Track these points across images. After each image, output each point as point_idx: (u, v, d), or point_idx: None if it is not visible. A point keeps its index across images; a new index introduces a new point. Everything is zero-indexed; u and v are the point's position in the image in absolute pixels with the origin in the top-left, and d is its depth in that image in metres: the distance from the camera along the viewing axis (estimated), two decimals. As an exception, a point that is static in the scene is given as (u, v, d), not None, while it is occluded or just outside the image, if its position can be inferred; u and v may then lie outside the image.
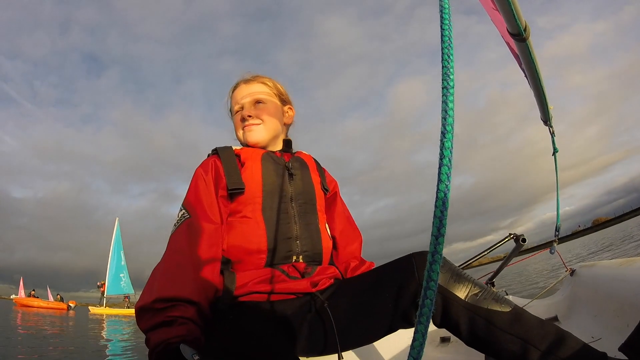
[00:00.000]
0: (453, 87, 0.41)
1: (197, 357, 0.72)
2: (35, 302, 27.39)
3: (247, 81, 1.18)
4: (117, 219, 29.41)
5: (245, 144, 1.16)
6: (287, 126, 1.23)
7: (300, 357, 0.84)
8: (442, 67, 0.42)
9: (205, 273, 0.86)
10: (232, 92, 1.20)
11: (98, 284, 28.34)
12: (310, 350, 0.92)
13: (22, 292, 30.99)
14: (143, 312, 0.80)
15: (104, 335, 8.66)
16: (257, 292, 0.91)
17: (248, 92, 1.15)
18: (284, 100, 1.21)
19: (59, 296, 32.59)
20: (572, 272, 1.98)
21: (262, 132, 1.13)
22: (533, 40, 1.30)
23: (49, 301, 29.57)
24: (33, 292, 31.35)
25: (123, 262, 28.15)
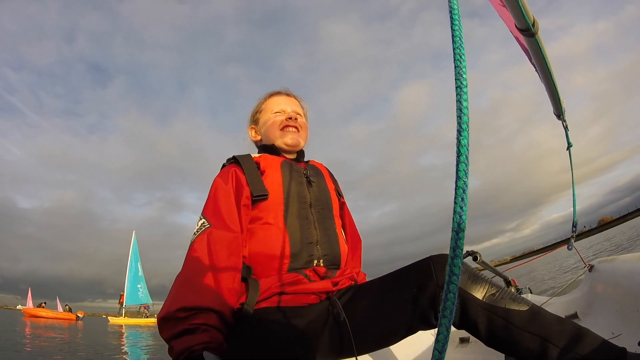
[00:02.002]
0: (466, 86, 0.42)
1: None
2: (43, 312, 27.68)
3: (289, 95, 1.29)
4: (133, 231, 30.20)
5: (270, 145, 1.21)
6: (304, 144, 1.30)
7: None
8: (455, 66, 0.43)
9: (227, 281, 0.88)
10: (272, 96, 1.28)
11: (121, 293, 28.89)
12: (329, 353, 0.92)
13: (30, 303, 31.30)
14: (165, 321, 0.81)
15: (125, 343, 8.87)
16: (279, 294, 0.93)
17: (293, 104, 1.27)
18: (307, 123, 1.32)
19: (67, 306, 33.09)
20: (591, 268, 1.94)
21: (299, 138, 1.22)
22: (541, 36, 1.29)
23: (57, 312, 29.98)
24: (44, 304, 31.67)
25: (140, 273, 28.88)
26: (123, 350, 7.39)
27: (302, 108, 1.32)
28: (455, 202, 0.39)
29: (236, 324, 0.87)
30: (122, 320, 24.90)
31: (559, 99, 1.71)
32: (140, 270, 28.89)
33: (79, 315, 29.56)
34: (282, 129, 1.20)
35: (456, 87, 0.41)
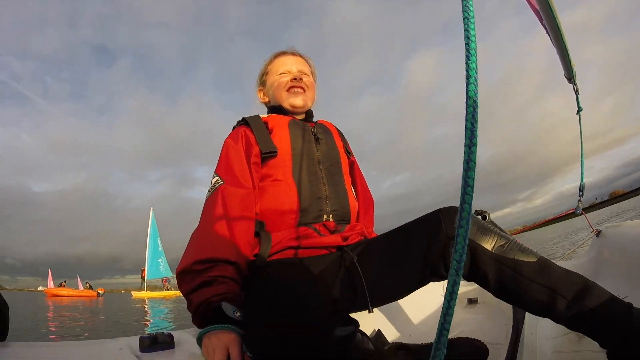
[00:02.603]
0: (475, 48, 0.42)
1: (238, 314, 0.76)
2: (64, 291, 28.78)
3: (294, 54, 1.27)
4: (151, 208, 31.30)
5: (278, 106, 1.22)
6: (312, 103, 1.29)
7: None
8: (464, 30, 0.42)
9: (241, 234, 0.91)
10: (277, 56, 1.27)
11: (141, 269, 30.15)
12: (342, 303, 0.95)
13: (51, 283, 32.45)
14: (183, 275, 0.84)
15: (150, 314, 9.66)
16: (291, 248, 0.96)
17: (299, 63, 1.25)
18: (315, 82, 1.30)
19: (87, 284, 34.28)
20: (599, 233, 1.95)
21: (306, 99, 1.21)
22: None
23: (78, 290, 31.19)
24: (64, 282, 32.91)
25: (160, 248, 30.01)
26: (148, 319, 8.05)
27: (309, 66, 1.30)
28: (465, 144, 0.39)
29: (251, 275, 0.90)
30: (144, 294, 26.06)
31: (570, 62, 1.68)
32: (160, 245, 30.02)
33: (100, 291, 30.78)
34: (288, 90, 1.19)
35: (465, 51, 0.41)
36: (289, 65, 1.23)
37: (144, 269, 29.38)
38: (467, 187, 0.41)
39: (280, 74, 1.23)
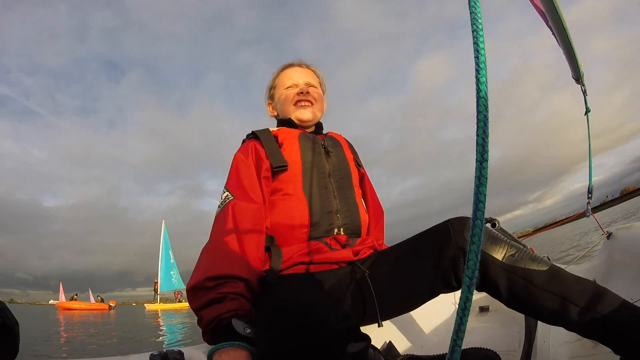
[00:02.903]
0: (484, 48, 0.41)
1: (248, 331, 0.75)
2: (76, 304, 29.05)
3: (301, 66, 1.26)
4: (163, 221, 31.58)
5: (287, 119, 1.21)
6: (321, 115, 1.28)
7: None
8: (472, 31, 0.42)
9: (251, 250, 0.90)
10: (284, 69, 1.26)
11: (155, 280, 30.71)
12: (352, 318, 0.94)
13: (62, 297, 32.87)
14: (194, 291, 0.83)
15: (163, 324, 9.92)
16: (302, 263, 0.95)
17: (305, 74, 1.24)
18: (324, 92, 1.29)
19: (99, 297, 34.83)
20: (609, 235, 1.92)
21: (313, 111, 1.20)
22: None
23: (90, 303, 31.52)
24: (75, 296, 33.31)
25: (172, 261, 30.44)
26: (162, 331, 8.19)
27: (317, 77, 1.28)
28: (476, 160, 0.39)
29: (261, 292, 0.90)
30: (157, 306, 26.60)
31: (577, 62, 1.66)
32: (172, 257, 30.48)
33: (111, 304, 31.18)
34: (295, 104, 1.19)
35: (475, 65, 0.41)
36: (296, 78, 1.23)
37: (157, 282, 29.85)
38: (479, 203, 0.40)
39: (288, 87, 1.22)
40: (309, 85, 1.23)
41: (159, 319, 13.45)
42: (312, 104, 1.20)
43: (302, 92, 1.19)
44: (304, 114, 1.18)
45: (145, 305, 28.76)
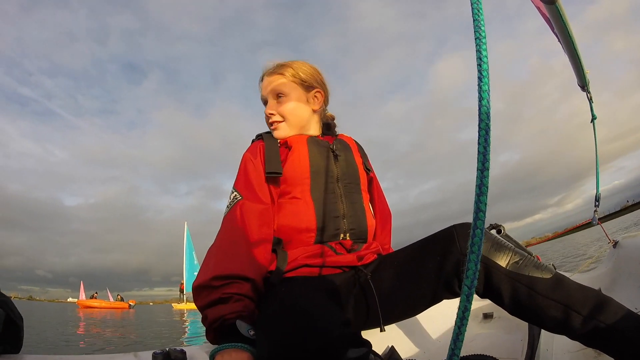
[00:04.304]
0: (485, 42, 0.42)
1: (252, 332, 0.76)
2: (96, 302, 29.68)
3: (269, 73, 1.17)
4: (185, 223, 32.28)
5: None
6: (317, 112, 1.20)
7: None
8: (474, 32, 0.43)
9: (258, 250, 0.91)
10: (259, 84, 1.21)
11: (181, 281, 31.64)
12: (355, 321, 0.94)
13: (82, 295, 33.44)
14: (200, 290, 0.84)
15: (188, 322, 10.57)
16: (306, 266, 0.95)
17: (270, 87, 1.15)
18: (309, 86, 1.17)
19: (119, 296, 35.58)
20: (615, 244, 1.91)
21: (286, 129, 1.14)
22: (564, 3, 1.24)
23: (110, 301, 32.17)
24: (95, 294, 34.07)
25: (196, 262, 31.02)
26: (186, 328, 8.75)
27: (285, 75, 1.15)
28: (477, 169, 0.39)
29: (265, 293, 0.90)
30: (184, 306, 27.75)
31: (583, 70, 1.65)
32: (195, 259, 31.23)
33: (131, 303, 31.99)
34: (269, 125, 1.17)
35: (478, 72, 0.41)
36: (263, 94, 1.18)
37: (182, 282, 30.72)
38: (479, 212, 0.41)
39: (264, 104, 1.18)
40: (277, 95, 1.15)
41: (184, 317, 14.21)
42: (281, 121, 1.14)
43: (267, 116, 1.16)
44: (276, 134, 1.14)
45: (172, 304, 29.88)
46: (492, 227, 1.00)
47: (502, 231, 0.97)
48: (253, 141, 1.15)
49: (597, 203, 1.98)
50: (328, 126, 1.23)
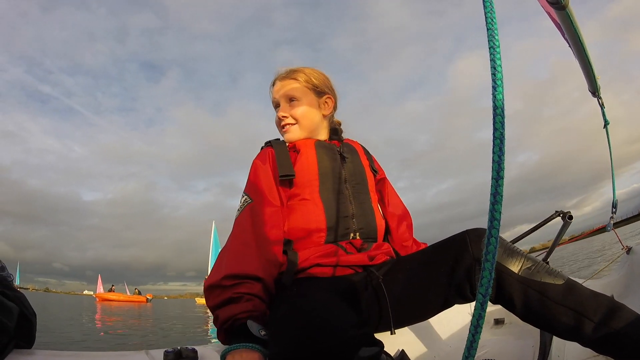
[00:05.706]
0: (499, 46, 0.43)
1: (263, 332, 0.77)
2: (114, 296, 30.07)
3: (281, 78, 1.22)
4: (213, 221, 32.73)
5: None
6: (326, 117, 1.24)
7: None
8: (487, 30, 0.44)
9: (269, 251, 0.93)
10: (270, 88, 1.25)
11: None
12: (365, 326, 0.96)
13: (100, 288, 33.97)
14: (211, 289, 0.86)
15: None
16: (318, 266, 0.97)
17: (283, 90, 1.19)
18: (320, 92, 1.21)
19: (136, 290, 35.94)
20: (629, 250, 1.89)
21: (297, 131, 1.18)
22: (574, 7, 1.24)
23: (128, 295, 32.61)
24: (113, 287, 34.66)
25: None
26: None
27: (298, 81, 1.19)
28: (492, 177, 0.40)
29: (276, 293, 0.92)
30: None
31: (594, 75, 1.65)
32: None
33: (148, 297, 32.24)
34: (281, 127, 1.21)
35: (492, 82, 0.42)
36: (275, 98, 1.22)
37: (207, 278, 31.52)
38: (494, 220, 0.41)
39: (275, 107, 1.23)
40: (289, 99, 1.19)
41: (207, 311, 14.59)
42: (293, 124, 1.18)
43: (279, 119, 1.19)
44: (287, 137, 1.19)
45: (196, 299, 30.60)
46: (560, 213, 0.99)
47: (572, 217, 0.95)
48: (262, 148, 1.19)
49: (614, 209, 1.96)
50: (335, 131, 1.27)
